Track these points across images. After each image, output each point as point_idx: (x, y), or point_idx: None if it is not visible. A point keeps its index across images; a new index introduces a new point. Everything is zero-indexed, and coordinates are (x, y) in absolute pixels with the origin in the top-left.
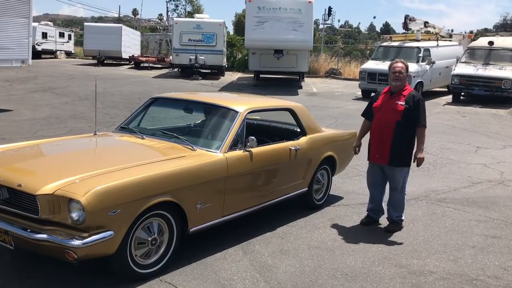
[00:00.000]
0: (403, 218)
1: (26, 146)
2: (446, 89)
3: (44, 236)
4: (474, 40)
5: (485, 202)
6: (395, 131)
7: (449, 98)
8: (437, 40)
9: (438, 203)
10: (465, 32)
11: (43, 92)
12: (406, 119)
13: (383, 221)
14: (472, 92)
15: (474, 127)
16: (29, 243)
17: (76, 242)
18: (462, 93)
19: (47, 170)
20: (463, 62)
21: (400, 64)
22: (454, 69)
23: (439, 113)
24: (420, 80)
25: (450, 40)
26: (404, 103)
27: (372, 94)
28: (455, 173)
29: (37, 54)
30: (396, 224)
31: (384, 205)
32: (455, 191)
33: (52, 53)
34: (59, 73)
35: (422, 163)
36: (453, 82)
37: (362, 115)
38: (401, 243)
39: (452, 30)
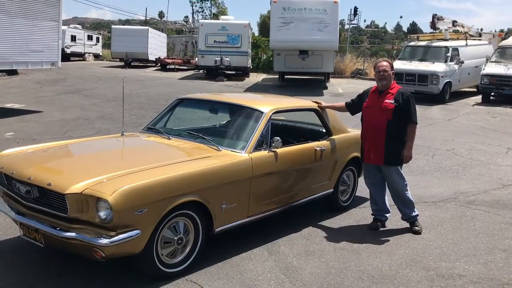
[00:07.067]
0: (417, 213)
1: (55, 146)
2: (475, 89)
3: (72, 234)
4: (504, 39)
5: None
6: (388, 130)
7: (478, 98)
8: (466, 39)
9: (467, 206)
10: (495, 31)
11: (72, 93)
12: (397, 117)
13: (400, 223)
14: (503, 92)
15: (504, 128)
16: (58, 241)
17: (104, 241)
18: (492, 93)
19: (76, 170)
20: (493, 62)
21: (384, 63)
22: (484, 69)
23: (468, 113)
24: (448, 80)
25: (479, 39)
26: (393, 101)
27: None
28: (485, 175)
29: (66, 57)
30: (415, 223)
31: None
32: (485, 193)
33: (80, 56)
34: (88, 75)
35: (410, 161)
36: (482, 82)
37: (346, 104)
38: (429, 246)
39: (481, 29)
